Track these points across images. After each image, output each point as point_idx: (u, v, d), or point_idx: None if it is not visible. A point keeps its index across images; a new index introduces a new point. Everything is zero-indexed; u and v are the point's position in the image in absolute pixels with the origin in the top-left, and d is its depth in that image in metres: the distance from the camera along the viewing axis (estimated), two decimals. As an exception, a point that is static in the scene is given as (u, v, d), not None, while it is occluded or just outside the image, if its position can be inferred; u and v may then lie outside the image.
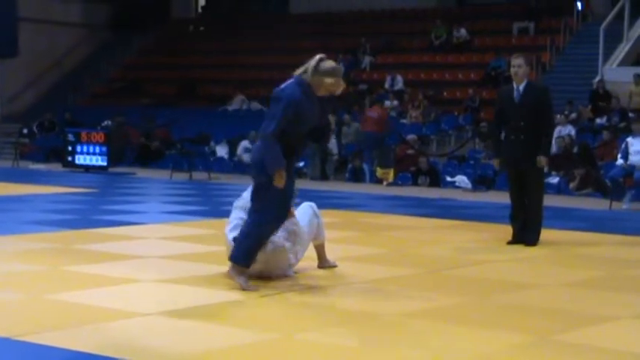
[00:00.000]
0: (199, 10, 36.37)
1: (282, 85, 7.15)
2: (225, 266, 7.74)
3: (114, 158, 21.26)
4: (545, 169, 11.11)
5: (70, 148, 21.43)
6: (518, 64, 10.03)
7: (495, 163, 10.63)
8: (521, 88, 10.02)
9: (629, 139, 15.36)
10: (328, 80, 7.11)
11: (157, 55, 31.86)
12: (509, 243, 10.11)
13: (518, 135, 9.98)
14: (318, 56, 7.17)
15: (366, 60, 27.23)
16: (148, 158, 23.25)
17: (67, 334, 5.80)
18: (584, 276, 8.30)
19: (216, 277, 7.75)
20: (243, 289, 7.12)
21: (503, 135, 10.30)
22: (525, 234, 10.01)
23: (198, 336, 5.86)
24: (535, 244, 9.94)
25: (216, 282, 7.53)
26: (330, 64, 7.14)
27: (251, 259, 7.26)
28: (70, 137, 21.53)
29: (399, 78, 25.22)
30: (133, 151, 23.88)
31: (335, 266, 8.30)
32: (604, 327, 6.30)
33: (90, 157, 21.15)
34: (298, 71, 7.14)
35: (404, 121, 23.08)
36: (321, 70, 7.11)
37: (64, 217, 11.77)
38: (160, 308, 6.52)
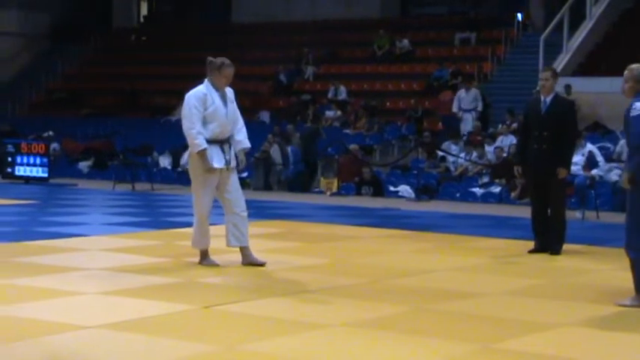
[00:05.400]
0: (141, 19, 36.14)
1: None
2: (168, 277, 7.69)
3: None
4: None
5: (9, 160, 21.15)
6: (545, 78, 10.30)
7: (517, 170, 10.75)
8: (548, 100, 10.26)
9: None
10: None
11: (99, 65, 31.57)
12: (531, 252, 10.25)
13: (541, 145, 10.15)
14: None
15: (309, 70, 27.25)
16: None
17: (8, 348, 5.72)
18: (525, 284, 8.39)
19: (159, 289, 7.70)
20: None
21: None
22: (549, 243, 10.18)
23: (141, 349, 5.82)
24: (559, 253, 10.12)
25: (159, 294, 7.48)
26: None
27: None
28: (10, 148, 21.26)
29: (343, 88, 25.27)
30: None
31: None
32: (544, 334, 6.38)
33: (30, 168, 20.89)
34: None
35: (347, 131, 23.15)
36: None
37: (3, 230, 11.61)
38: (103, 321, 6.46)
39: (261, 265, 8.91)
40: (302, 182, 20.40)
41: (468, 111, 21.94)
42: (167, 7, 35.86)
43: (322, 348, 5.93)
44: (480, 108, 21.96)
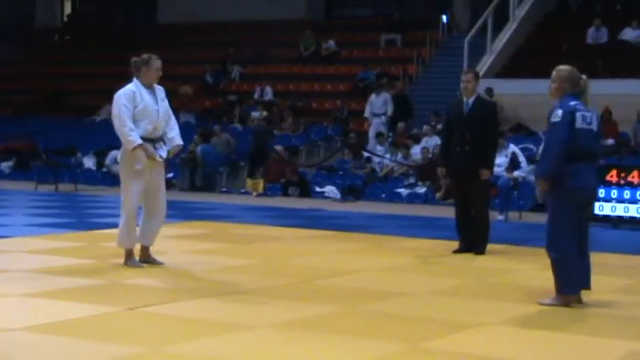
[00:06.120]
0: (64, 19, 35.65)
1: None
2: (92, 278, 7.58)
3: None
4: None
5: None
6: (467, 79, 10.39)
7: (440, 171, 10.80)
8: (470, 101, 10.36)
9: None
10: None
11: (22, 64, 31.09)
12: (456, 252, 10.33)
13: (464, 147, 10.24)
14: None
15: (235, 70, 27.19)
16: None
17: None
18: (450, 284, 8.48)
19: (83, 291, 7.61)
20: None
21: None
22: (473, 243, 10.27)
23: (65, 352, 5.74)
24: (483, 253, 10.22)
25: (83, 295, 7.39)
26: None
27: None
28: None
29: (269, 89, 25.26)
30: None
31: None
32: (470, 333, 6.44)
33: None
34: None
35: (274, 131, 23.10)
36: None
37: None
38: (25, 323, 6.35)
39: (160, 264, 9.00)
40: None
41: (378, 115, 21.96)
42: (91, 7, 35.44)
43: (248, 349, 5.91)
44: (389, 112, 21.91)
